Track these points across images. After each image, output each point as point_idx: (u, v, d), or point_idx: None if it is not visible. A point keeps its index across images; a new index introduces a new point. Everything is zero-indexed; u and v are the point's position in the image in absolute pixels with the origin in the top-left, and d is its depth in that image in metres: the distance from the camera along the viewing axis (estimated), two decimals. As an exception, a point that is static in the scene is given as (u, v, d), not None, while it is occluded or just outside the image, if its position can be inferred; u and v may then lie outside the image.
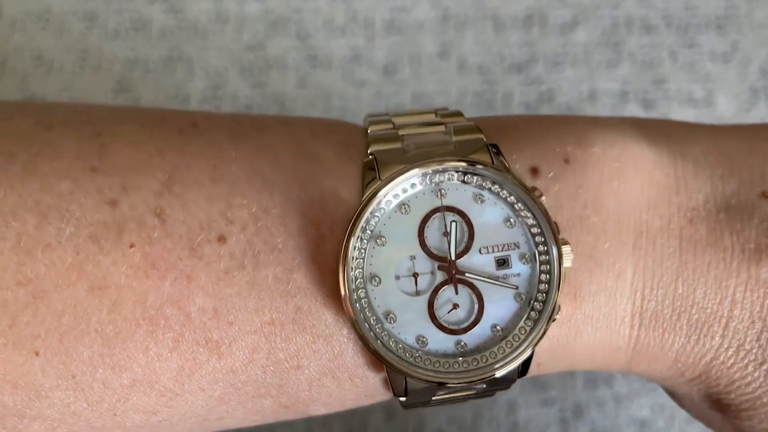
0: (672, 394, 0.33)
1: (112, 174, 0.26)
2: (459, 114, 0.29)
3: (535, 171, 0.28)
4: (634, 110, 0.49)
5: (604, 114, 0.49)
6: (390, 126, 0.28)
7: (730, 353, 0.28)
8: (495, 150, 0.27)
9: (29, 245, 0.24)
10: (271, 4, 0.49)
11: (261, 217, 0.26)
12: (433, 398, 0.28)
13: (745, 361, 0.28)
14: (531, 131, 0.29)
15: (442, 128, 0.28)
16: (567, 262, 0.27)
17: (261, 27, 0.49)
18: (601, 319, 0.28)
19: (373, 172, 0.26)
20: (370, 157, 0.27)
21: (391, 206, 0.26)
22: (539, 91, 0.49)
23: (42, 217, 0.25)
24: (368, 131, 0.28)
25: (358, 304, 0.26)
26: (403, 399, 0.27)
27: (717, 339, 0.27)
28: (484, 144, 0.27)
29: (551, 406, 0.44)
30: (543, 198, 0.27)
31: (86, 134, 0.27)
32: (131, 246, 0.25)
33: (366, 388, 0.28)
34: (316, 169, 0.27)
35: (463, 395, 0.28)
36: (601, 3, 0.50)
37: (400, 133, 0.28)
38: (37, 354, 0.24)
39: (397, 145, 0.27)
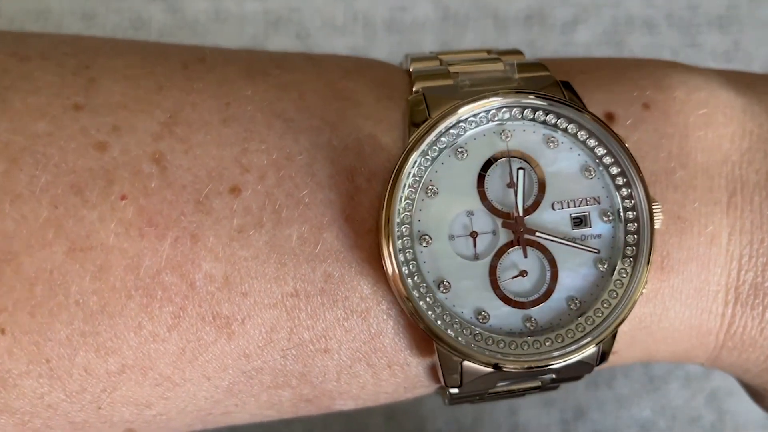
0: (761, 396, 0.27)
1: (101, 113, 0.21)
2: (518, 52, 0.24)
3: (610, 117, 0.23)
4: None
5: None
6: (437, 63, 0.23)
7: None
8: (568, 88, 0.22)
9: None
10: (270, 4, 0.49)
11: (283, 165, 0.21)
12: (490, 391, 0.22)
13: None
14: (602, 73, 0.24)
15: (500, 65, 0.23)
16: (656, 223, 0.21)
17: (260, 26, 0.49)
18: (691, 295, 0.22)
19: (422, 111, 0.21)
20: (417, 92, 0.22)
21: (445, 149, 0.21)
22: (540, 90, 0.49)
23: (11, 162, 0.20)
24: (411, 69, 0.23)
25: (405, 268, 0.20)
26: (455, 390, 0.22)
27: None
28: (554, 81, 0.22)
29: (552, 407, 0.44)
30: (627, 146, 0.21)
31: (71, 67, 0.21)
32: (122, 198, 0.20)
33: (406, 378, 0.22)
34: (350, 110, 0.22)
35: (526, 387, 0.23)
36: (602, 2, 0.50)
37: (452, 70, 0.22)
38: (2, 332, 0.19)
39: (449, 81, 0.22)
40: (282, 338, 0.21)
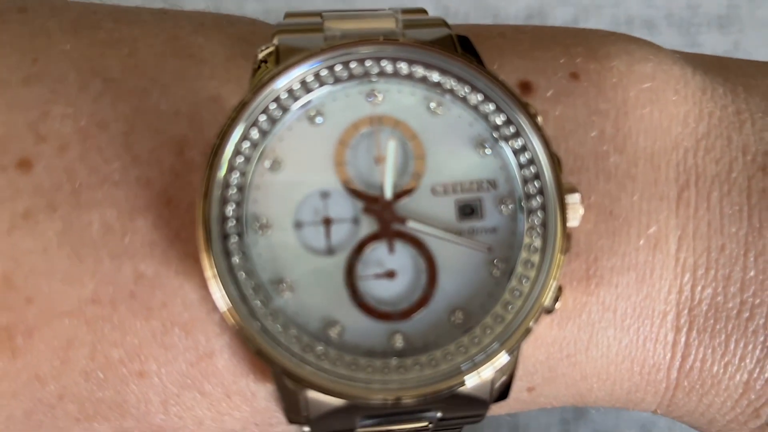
0: None
1: None
2: (421, 10, 0.19)
3: (527, 87, 0.18)
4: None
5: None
6: (316, 18, 0.18)
7: None
8: (466, 46, 0.17)
9: None
10: (270, 4, 0.49)
11: (92, 133, 0.16)
12: (358, 430, 0.17)
13: None
14: (524, 37, 0.19)
15: (390, 22, 0.18)
16: (573, 220, 0.16)
17: (260, 26, 0.49)
18: (629, 315, 0.17)
19: (270, 67, 0.16)
20: (272, 45, 0.17)
21: (294, 111, 0.16)
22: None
23: None
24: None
25: (225, 261, 0.15)
26: (306, 430, 0.16)
27: None
28: (447, 35, 0.17)
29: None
30: (539, 119, 0.16)
31: None
32: None
33: (254, 411, 0.17)
34: (191, 69, 0.17)
35: (408, 428, 0.17)
36: (602, 2, 0.50)
37: (327, 24, 0.17)
38: None
39: (315, 35, 0.17)
40: (82, 357, 0.16)
